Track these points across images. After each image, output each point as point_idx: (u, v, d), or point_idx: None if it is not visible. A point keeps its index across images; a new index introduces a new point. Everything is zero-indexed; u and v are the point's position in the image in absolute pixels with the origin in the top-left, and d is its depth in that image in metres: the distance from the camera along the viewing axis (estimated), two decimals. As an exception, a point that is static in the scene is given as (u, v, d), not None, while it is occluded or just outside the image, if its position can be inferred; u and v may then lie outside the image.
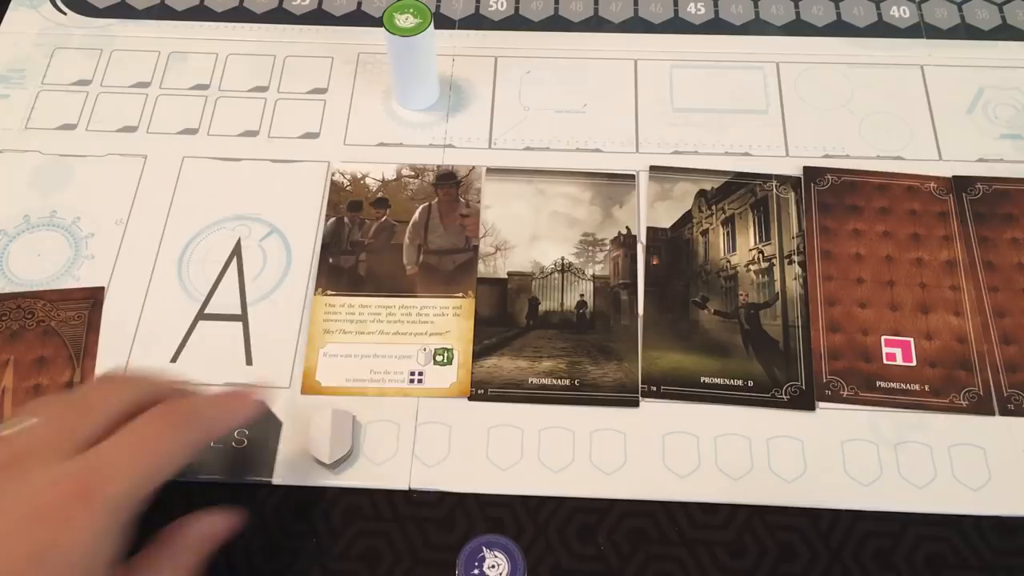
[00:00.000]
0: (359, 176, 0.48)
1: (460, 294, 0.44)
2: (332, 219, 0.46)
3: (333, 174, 0.48)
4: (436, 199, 0.47)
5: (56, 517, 0.27)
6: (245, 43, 0.53)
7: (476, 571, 0.36)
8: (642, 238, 0.46)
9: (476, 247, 0.46)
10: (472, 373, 0.42)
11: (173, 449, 0.31)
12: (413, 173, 0.48)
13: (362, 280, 0.45)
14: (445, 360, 0.42)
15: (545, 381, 0.42)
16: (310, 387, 0.42)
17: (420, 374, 0.42)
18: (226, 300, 0.44)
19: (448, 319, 0.43)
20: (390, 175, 0.48)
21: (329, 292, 0.44)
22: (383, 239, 0.46)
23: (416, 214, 0.47)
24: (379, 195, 0.47)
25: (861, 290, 0.44)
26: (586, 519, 0.39)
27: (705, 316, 0.44)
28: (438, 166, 0.48)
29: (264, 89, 0.52)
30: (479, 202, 0.47)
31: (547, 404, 0.42)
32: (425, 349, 0.43)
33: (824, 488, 0.39)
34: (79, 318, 0.44)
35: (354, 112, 0.51)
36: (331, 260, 0.45)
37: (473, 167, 0.48)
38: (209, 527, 0.34)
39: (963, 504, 0.39)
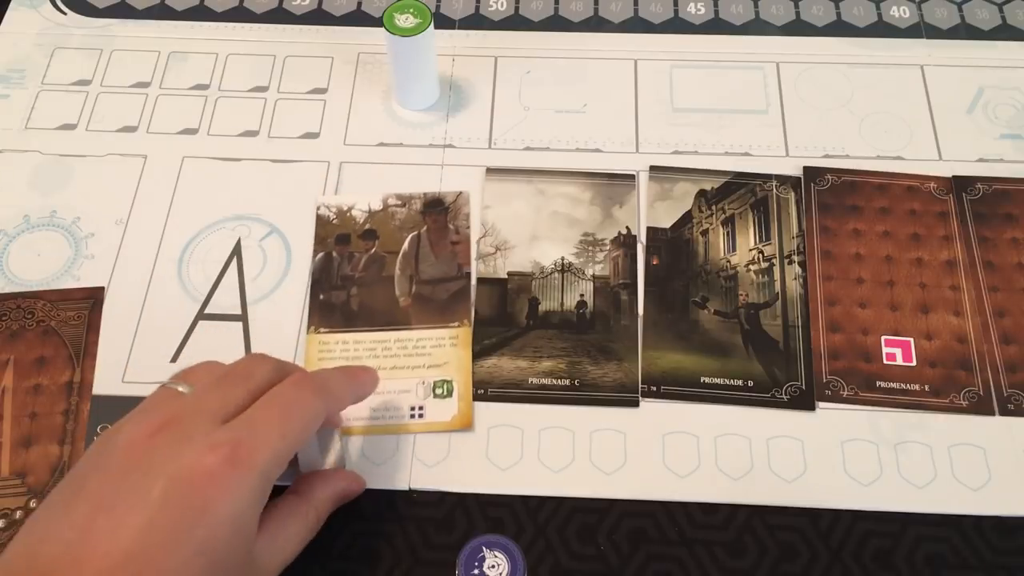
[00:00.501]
0: (345, 208, 0.47)
1: (456, 323, 0.44)
2: (320, 254, 0.46)
3: (318, 208, 0.47)
4: (425, 227, 0.46)
5: (213, 480, 0.29)
6: (245, 43, 0.53)
7: (476, 571, 0.36)
8: (642, 238, 0.46)
9: (469, 274, 0.45)
10: (472, 404, 0.41)
11: (310, 416, 0.33)
12: (400, 202, 0.47)
13: (355, 315, 0.44)
14: (445, 392, 0.42)
15: (545, 381, 0.42)
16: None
17: (421, 408, 0.41)
18: (226, 300, 0.44)
19: (445, 350, 0.43)
20: (376, 205, 0.47)
21: (322, 329, 0.43)
22: (374, 271, 0.45)
23: (406, 244, 0.46)
24: (367, 227, 0.46)
25: (861, 290, 0.44)
26: (586, 519, 0.39)
27: (705, 316, 0.44)
28: (424, 194, 0.47)
29: (264, 89, 0.52)
30: (468, 228, 0.46)
31: (547, 404, 0.41)
32: (424, 382, 0.42)
33: (824, 488, 0.39)
34: (79, 318, 0.44)
35: (354, 112, 0.51)
36: (322, 296, 0.44)
37: (460, 192, 0.47)
38: (337, 486, 0.37)
39: (963, 504, 0.39)
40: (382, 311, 0.44)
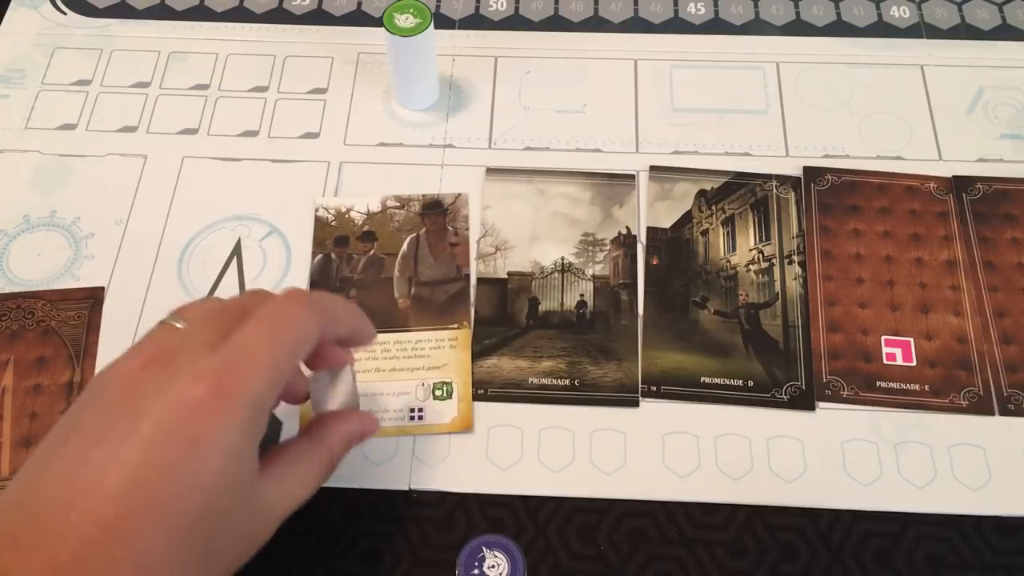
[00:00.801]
0: (344, 210, 0.47)
1: (455, 325, 0.43)
2: (319, 256, 0.45)
3: (317, 210, 0.47)
4: (424, 229, 0.46)
5: (200, 412, 0.28)
6: (245, 43, 0.54)
7: (476, 571, 0.36)
8: (642, 238, 0.46)
9: (468, 276, 0.45)
10: (472, 405, 0.41)
11: (304, 332, 0.31)
12: (399, 204, 0.47)
13: None
14: (444, 394, 0.42)
15: (545, 381, 0.42)
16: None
17: (420, 410, 0.41)
18: (226, 300, 0.44)
19: (445, 351, 0.43)
20: (375, 207, 0.47)
21: None
22: (372, 273, 0.45)
23: (404, 246, 0.46)
24: (365, 228, 0.46)
25: (861, 290, 0.44)
26: (586, 519, 0.39)
27: (705, 316, 0.44)
28: (423, 196, 0.47)
29: (264, 89, 0.52)
30: (467, 230, 0.46)
31: (547, 404, 0.41)
32: (423, 384, 0.42)
33: (824, 488, 0.39)
34: (79, 318, 0.44)
35: (354, 112, 0.51)
36: None
37: (459, 194, 0.47)
38: (351, 427, 0.35)
39: (963, 504, 0.39)
40: (381, 313, 0.44)
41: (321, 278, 0.45)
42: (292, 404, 0.36)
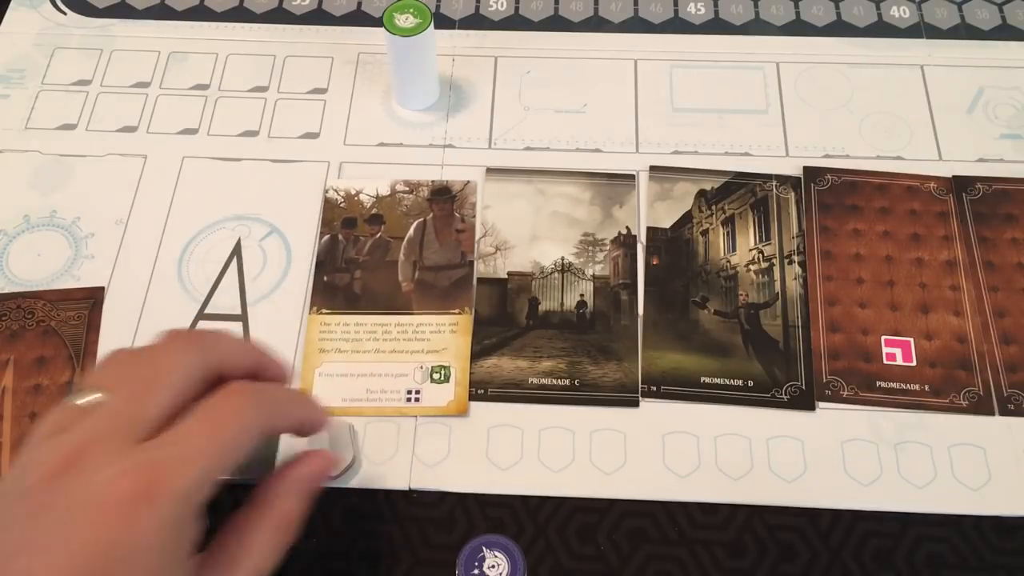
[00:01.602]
0: (353, 193, 0.47)
1: (456, 310, 0.44)
2: (326, 236, 0.46)
3: (327, 191, 0.47)
4: (431, 214, 0.47)
5: (120, 515, 0.26)
6: (245, 43, 0.54)
7: (476, 571, 0.36)
8: (642, 238, 0.46)
9: (472, 262, 0.45)
10: (470, 390, 0.42)
11: (248, 429, 0.30)
12: (407, 188, 0.47)
13: (357, 298, 0.44)
14: (442, 378, 0.42)
15: (545, 381, 0.42)
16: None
17: (417, 392, 0.42)
18: (226, 300, 0.44)
19: (445, 336, 0.43)
20: (384, 191, 0.47)
21: (324, 311, 0.44)
22: (378, 256, 0.46)
23: (411, 230, 0.46)
24: (373, 211, 0.47)
25: (861, 290, 0.44)
26: (586, 519, 0.39)
27: (705, 316, 0.44)
28: (432, 181, 0.48)
29: (264, 89, 0.52)
30: (474, 217, 0.47)
31: (547, 404, 0.41)
32: (422, 367, 0.42)
33: (824, 488, 0.39)
34: (79, 318, 0.44)
35: (354, 112, 0.51)
36: (326, 278, 0.45)
37: (468, 181, 0.48)
38: (299, 472, 0.33)
39: (963, 504, 0.39)
40: (384, 295, 0.44)
41: (327, 258, 0.46)
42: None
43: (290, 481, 0.33)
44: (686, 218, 0.47)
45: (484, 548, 0.37)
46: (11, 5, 0.55)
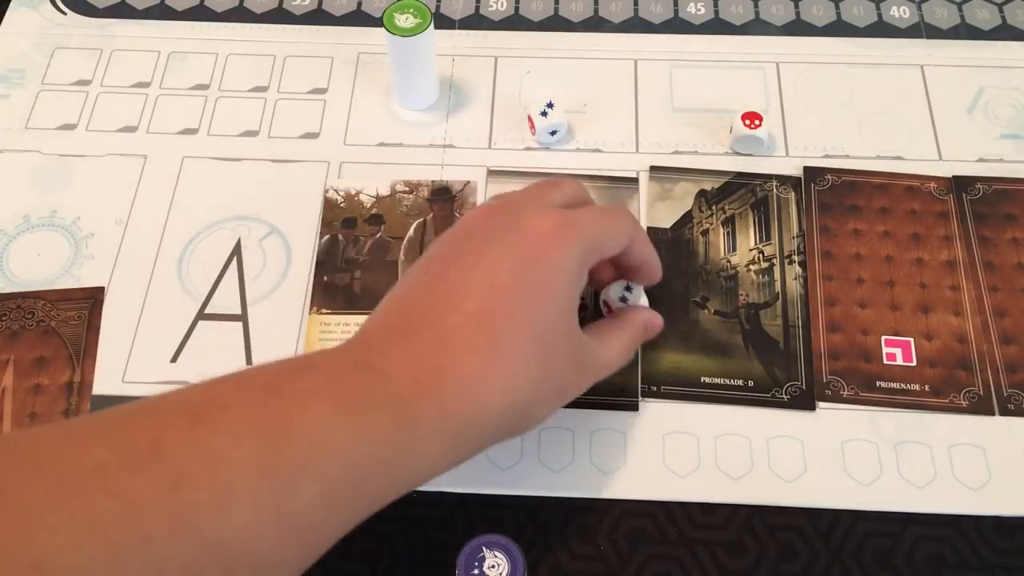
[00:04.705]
0: (353, 192, 0.47)
1: None
2: (326, 236, 0.46)
3: (327, 191, 0.47)
4: (431, 215, 0.47)
5: (545, 239, 0.33)
6: (245, 43, 0.54)
7: (476, 571, 0.36)
8: (642, 238, 0.46)
9: None
10: None
11: (624, 228, 0.37)
12: (407, 189, 0.47)
13: (357, 298, 0.44)
14: None
15: (545, 381, 0.42)
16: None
17: None
18: (226, 300, 0.44)
19: None
20: (384, 191, 0.47)
21: (324, 311, 0.44)
22: (378, 256, 0.46)
23: (411, 230, 0.46)
24: (373, 211, 0.47)
25: (861, 290, 0.44)
26: (586, 519, 0.39)
27: (705, 316, 0.44)
28: (432, 181, 0.48)
29: (264, 89, 0.52)
30: None
31: (547, 404, 0.41)
32: None
33: (824, 488, 0.39)
34: (79, 318, 0.44)
35: (354, 112, 0.51)
36: (326, 278, 0.45)
37: (468, 182, 0.48)
38: (647, 315, 0.40)
39: (963, 504, 0.39)
40: (384, 295, 0.44)
41: (327, 258, 0.45)
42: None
43: (643, 316, 0.40)
44: (686, 218, 0.47)
45: (484, 548, 0.37)
46: (11, 5, 0.55)
